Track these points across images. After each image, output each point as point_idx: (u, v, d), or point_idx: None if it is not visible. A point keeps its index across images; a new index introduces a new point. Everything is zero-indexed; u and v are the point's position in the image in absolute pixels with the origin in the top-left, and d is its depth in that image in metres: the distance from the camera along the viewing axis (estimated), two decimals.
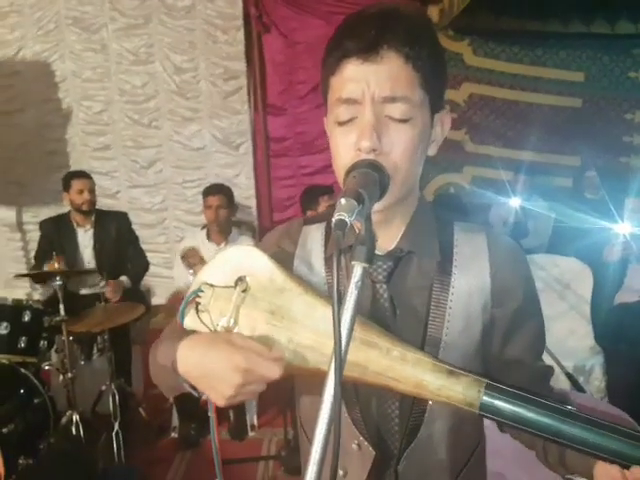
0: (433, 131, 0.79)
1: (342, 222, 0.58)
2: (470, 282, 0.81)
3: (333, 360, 0.57)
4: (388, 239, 0.83)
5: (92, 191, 3.28)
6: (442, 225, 0.85)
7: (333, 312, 0.57)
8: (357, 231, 0.63)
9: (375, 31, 0.71)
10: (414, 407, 0.82)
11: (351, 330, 0.61)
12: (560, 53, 4.40)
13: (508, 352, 0.84)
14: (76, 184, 3.22)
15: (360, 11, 0.76)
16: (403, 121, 0.73)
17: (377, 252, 0.82)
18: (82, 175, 3.31)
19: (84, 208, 3.23)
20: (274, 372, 0.68)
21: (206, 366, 0.69)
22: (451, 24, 4.17)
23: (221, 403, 0.70)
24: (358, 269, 0.62)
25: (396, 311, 0.82)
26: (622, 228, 2.94)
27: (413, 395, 0.74)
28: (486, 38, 4.39)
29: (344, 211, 0.59)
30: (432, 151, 0.81)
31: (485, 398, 0.67)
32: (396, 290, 0.82)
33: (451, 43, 4.39)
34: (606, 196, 3.58)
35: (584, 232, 3.14)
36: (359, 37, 0.72)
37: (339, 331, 0.57)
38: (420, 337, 0.80)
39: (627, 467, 0.64)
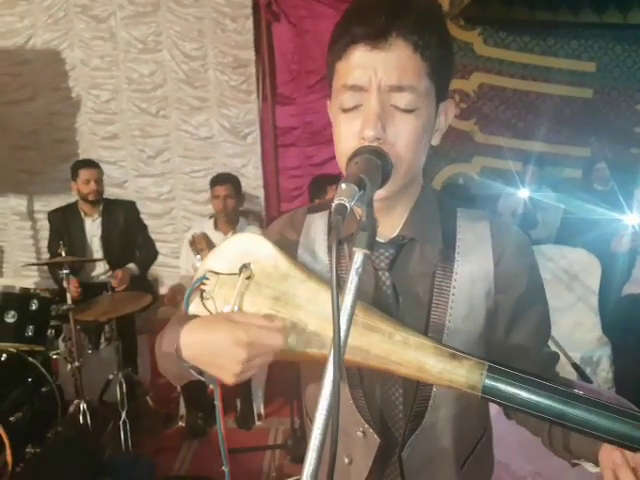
0: (437, 120, 0.79)
1: (342, 207, 0.57)
2: (473, 269, 0.81)
3: (333, 347, 0.58)
4: (390, 226, 0.83)
5: (99, 181, 3.28)
6: (445, 212, 0.85)
7: (332, 297, 0.57)
8: (359, 217, 0.63)
9: (385, 18, 0.70)
10: (418, 394, 0.82)
11: (351, 316, 0.61)
12: (571, 43, 4.36)
13: (512, 338, 0.84)
14: (83, 173, 3.22)
15: None
16: (408, 111, 0.72)
17: (379, 239, 0.82)
18: (89, 164, 3.31)
19: (90, 198, 3.24)
20: (277, 340, 0.68)
21: (209, 346, 0.70)
22: (461, 13, 4.13)
23: (231, 381, 0.69)
24: (359, 255, 0.62)
25: (399, 298, 0.82)
26: (631, 219, 2.91)
27: (416, 379, 0.74)
28: (497, 28, 4.34)
29: (344, 196, 0.58)
30: (435, 140, 0.81)
31: (487, 381, 0.68)
32: (398, 277, 0.82)
33: (461, 32, 4.35)
34: (615, 187, 3.55)
35: (593, 223, 3.11)
36: (368, 23, 0.71)
37: (338, 317, 0.57)
38: (423, 323, 0.80)
39: (632, 449, 0.63)
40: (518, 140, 4.39)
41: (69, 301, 2.65)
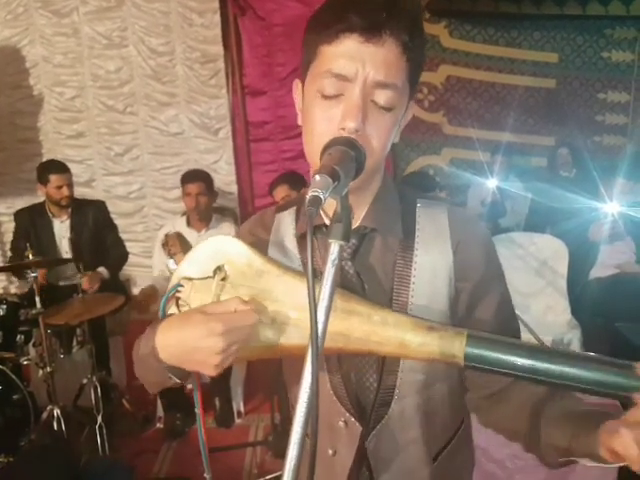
0: (403, 118, 0.80)
1: (316, 198, 0.57)
2: (433, 257, 0.82)
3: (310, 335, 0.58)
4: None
5: (71, 185, 3.17)
6: (406, 203, 0.86)
7: (308, 288, 0.57)
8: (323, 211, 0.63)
9: (384, 13, 0.70)
10: (382, 382, 0.82)
11: (330, 305, 0.62)
12: (534, 34, 4.43)
13: (472, 325, 0.83)
14: (55, 180, 3.08)
15: None
16: (387, 109, 0.73)
17: None
18: (61, 169, 3.14)
19: (63, 203, 3.13)
20: (251, 318, 0.70)
21: (186, 342, 0.69)
22: (427, 6, 4.17)
23: (213, 373, 0.70)
24: (335, 246, 0.63)
25: (364, 286, 0.82)
26: (610, 208, 3.00)
27: (399, 356, 0.75)
28: (462, 20, 4.39)
29: (318, 188, 0.58)
30: (396, 138, 0.81)
31: (468, 349, 0.69)
32: (362, 266, 0.82)
33: (428, 26, 4.37)
34: (580, 174, 3.64)
35: (560, 210, 3.19)
36: (366, 14, 0.70)
37: (314, 306, 0.57)
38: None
39: (609, 395, 0.64)
40: (486, 131, 4.45)
41: (38, 305, 2.57)
